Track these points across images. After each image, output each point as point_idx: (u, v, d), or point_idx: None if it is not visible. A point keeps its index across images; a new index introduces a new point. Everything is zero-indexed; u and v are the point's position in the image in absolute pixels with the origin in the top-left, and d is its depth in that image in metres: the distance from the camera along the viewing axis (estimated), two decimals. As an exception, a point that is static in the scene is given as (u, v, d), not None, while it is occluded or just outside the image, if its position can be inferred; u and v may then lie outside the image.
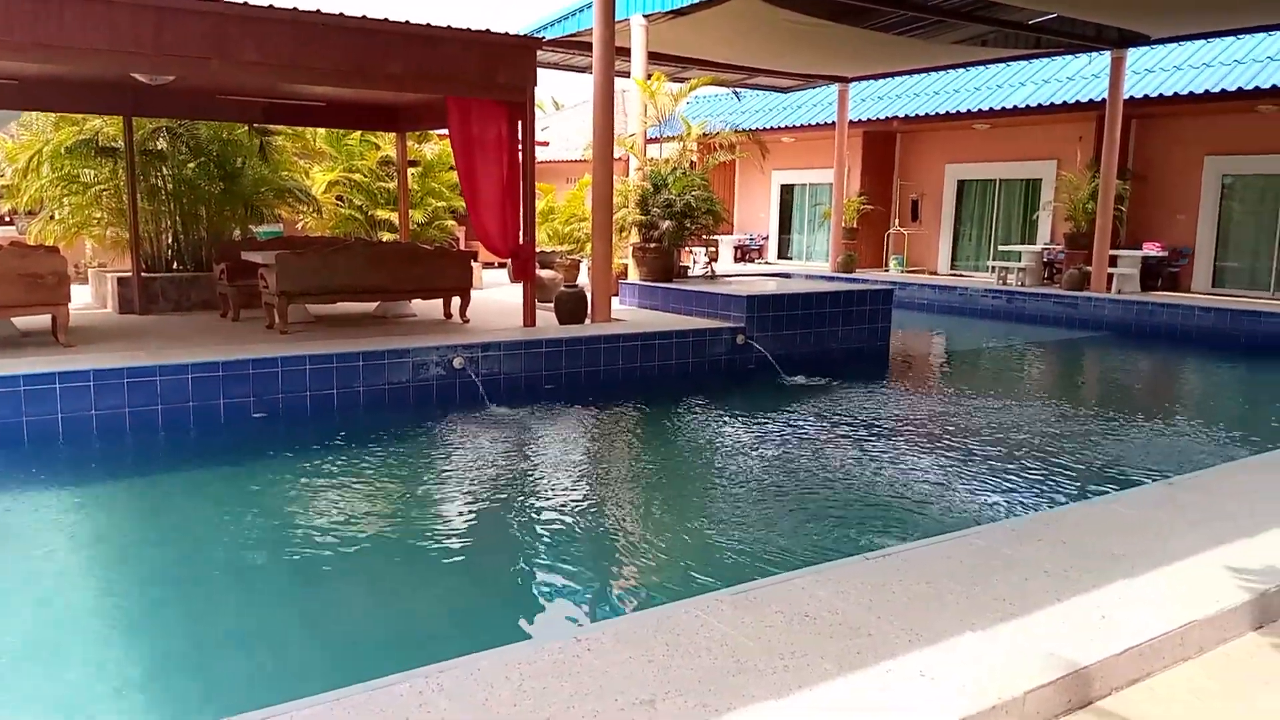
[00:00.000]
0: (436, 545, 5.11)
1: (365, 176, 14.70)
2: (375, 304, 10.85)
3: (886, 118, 19.52)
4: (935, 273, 19.66)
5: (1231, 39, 15.50)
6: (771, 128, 21.17)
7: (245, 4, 7.93)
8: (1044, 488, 6.14)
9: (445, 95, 9.20)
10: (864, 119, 19.72)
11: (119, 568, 4.86)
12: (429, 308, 10.95)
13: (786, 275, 17.34)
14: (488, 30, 9.14)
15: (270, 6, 8.03)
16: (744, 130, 15.47)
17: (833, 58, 16.24)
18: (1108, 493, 5.37)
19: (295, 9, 8.18)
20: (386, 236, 14.52)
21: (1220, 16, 12.92)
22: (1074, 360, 13.26)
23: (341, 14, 8.36)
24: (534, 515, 5.61)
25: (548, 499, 5.92)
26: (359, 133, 14.61)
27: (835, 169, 19.15)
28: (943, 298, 16.99)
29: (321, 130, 14.43)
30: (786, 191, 23.07)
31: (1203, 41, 15.85)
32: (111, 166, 11.72)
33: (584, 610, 4.32)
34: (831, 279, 17.16)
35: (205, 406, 7.27)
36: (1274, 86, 13.97)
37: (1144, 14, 12.89)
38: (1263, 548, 3.93)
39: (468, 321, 10.26)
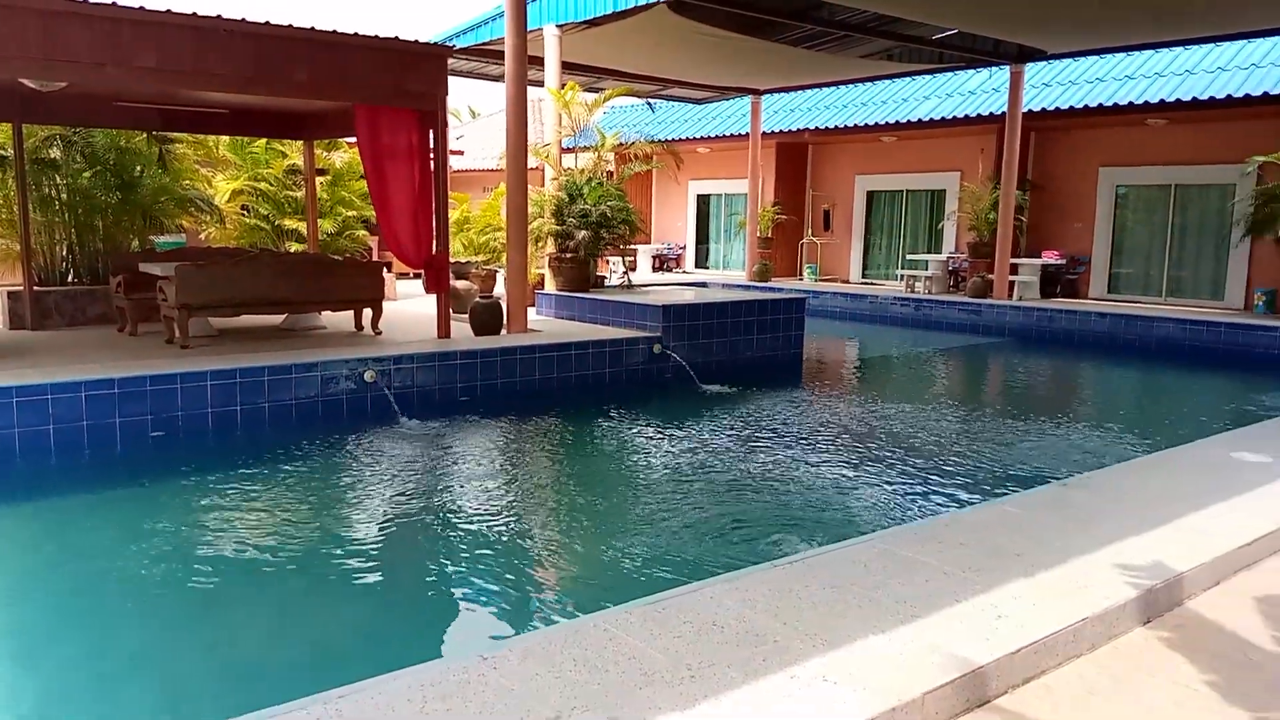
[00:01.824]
0: (343, 565, 4.99)
1: (271, 185, 14.32)
2: (282, 317, 10.58)
3: (798, 129, 19.89)
4: (847, 281, 20.09)
5: (1123, 55, 16.25)
6: (687, 138, 21.39)
7: (141, 8, 7.67)
8: (947, 490, 6.32)
9: (353, 103, 9.04)
10: (777, 130, 20.06)
11: (8, 597, 4.62)
12: (340, 320, 10.73)
13: (703, 284, 17.50)
14: (396, 38, 9.02)
15: (168, 11, 7.78)
16: (659, 141, 15.61)
17: (745, 70, 16.50)
18: (1007, 494, 5.55)
19: (194, 13, 7.93)
20: (294, 247, 14.17)
21: (1112, 34, 13.54)
22: (977, 366, 13.68)
23: (243, 19, 8.15)
24: (444, 532, 5.52)
25: (459, 515, 5.84)
26: (265, 140, 14.24)
27: (750, 179, 19.44)
28: (854, 306, 17.36)
29: (225, 138, 14.03)
30: (703, 201, 23.31)
31: (1096, 57, 16.58)
32: (0, 176, 11.19)
33: (493, 628, 4.26)
34: (747, 288, 17.39)
35: (100, 426, 6.97)
36: (1162, 101, 14.68)
37: (1040, 31, 13.42)
38: (1149, 545, 4.10)
39: (380, 334, 10.07)
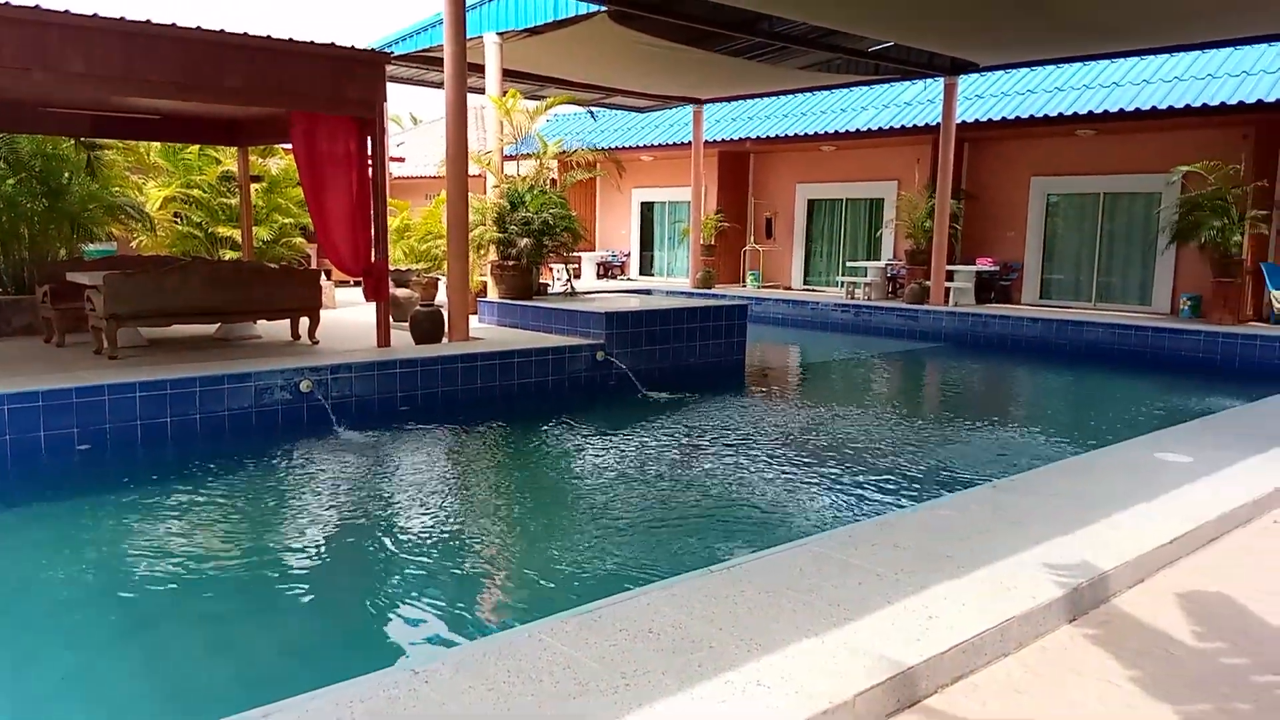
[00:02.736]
0: (275, 580, 4.90)
1: (205, 192, 14.02)
2: (216, 326, 10.36)
3: (740, 138, 20.07)
4: (789, 288, 20.30)
5: (1053, 67, 16.69)
6: (630, 146, 21.44)
7: (67, 12, 7.47)
8: (883, 493, 6.41)
9: (289, 109, 8.90)
10: (719, 139, 20.22)
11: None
12: (276, 329, 10.54)
13: (647, 292, 17.54)
14: (333, 44, 8.90)
15: (95, 15, 7.58)
16: (602, 149, 15.62)
17: (687, 80, 16.60)
18: (940, 496, 5.65)
19: (123, 18, 7.74)
20: (229, 255, 13.90)
21: (1041, 47, 13.91)
22: (915, 370, 13.92)
23: (174, 24, 7.98)
24: (380, 543, 5.45)
25: (395, 526, 5.76)
26: (198, 146, 13.94)
27: (693, 187, 19.57)
28: (796, 312, 17.55)
29: (156, 144, 13.71)
30: (647, 209, 23.39)
31: (1027, 70, 17.01)
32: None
33: (427, 641, 4.21)
34: (690, 295, 17.47)
35: (23, 440, 6.75)
36: (1090, 112, 15.11)
37: (972, 43, 13.73)
38: (1076, 545, 4.20)
39: (317, 343, 9.92)
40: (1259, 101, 13.50)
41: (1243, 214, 13.45)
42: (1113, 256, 16.24)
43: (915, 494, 6.33)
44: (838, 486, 6.60)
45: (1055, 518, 4.57)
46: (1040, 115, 15.71)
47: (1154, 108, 14.43)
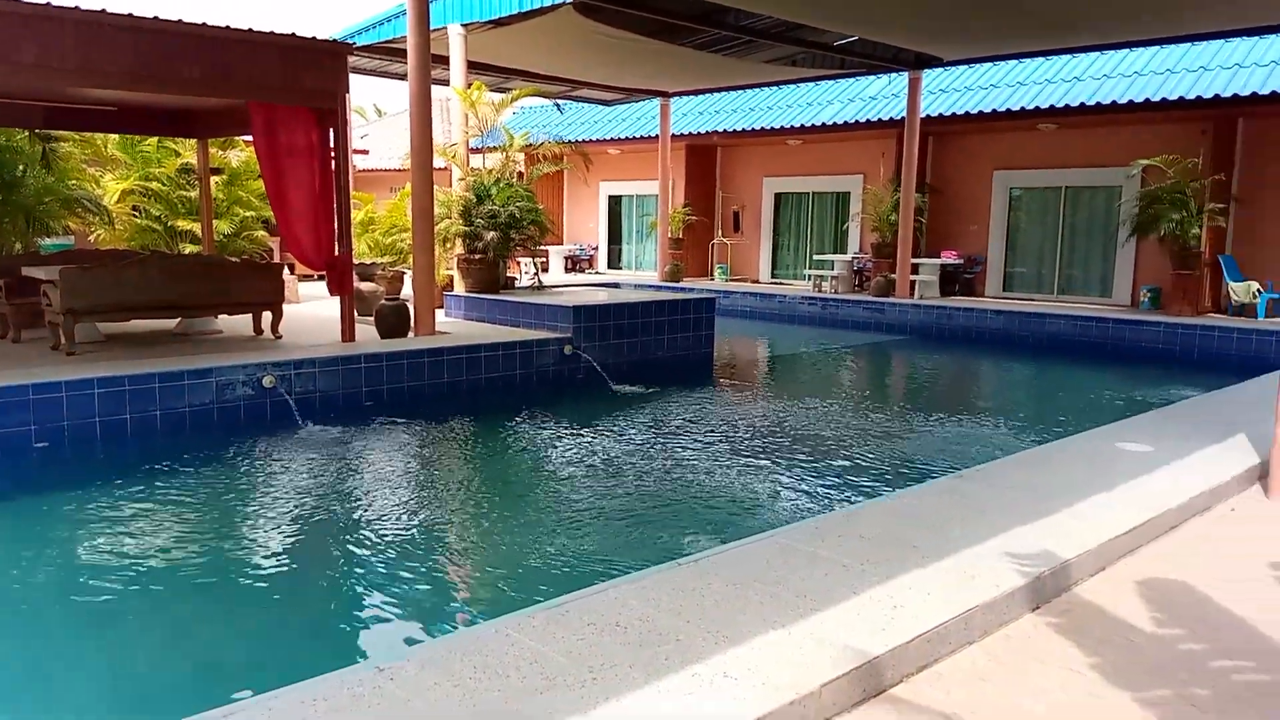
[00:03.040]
0: (238, 578, 4.83)
1: (164, 185, 13.77)
2: (176, 321, 10.19)
3: (707, 132, 20.09)
4: (757, 281, 20.36)
5: (1016, 62, 16.87)
6: (596, 140, 21.38)
7: (19, 0, 7.29)
8: (849, 484, 6.45)
9: (248, 100, 8.76)
10: (686, 132, 20.22)
11: None
12: (238, 324, 10.39)
13: (615, 285, 17.52)
14: (293, 34, 8.78)
15: (48, 4, 7.41)
16: (568, 142, 15.55)
17: (653, 72, 16.57)
18: (906, 486, 5.69)
19: (76, 7, 7.57)
20: (189, 249, 13.67)
21: (1004, 42, 14.05)
22: (881, 363, 14.02)
23: (130, 14, 7.82)
24: (345, 540, 5.39)
25: (360, 522, 5.70)
26: (156, 138, 13.69)
27: (660, 181, 19.54)
28: (764, 305, 17.62)
29: (114, 136, 13.44)
30: (614, 202, 23.34)
31: (990, 64, 17.17)
32: None
33: (394, 638, 4.17)
34: (658, 288, 17.48)
35: (-24, 438, 6.61)
36: (1052, 106, 15.28)
37: (936, 38, 13.83)
38: (1039, 534, 4.25)
39: (280, 338, 9.79)
40: (1216, 96, 13.73)
41: (1201, 207, 13.68)
42: (1074, 249, 16.46)
43: (882, 485, 6.38)
44: (805, 478, 6.63)
45: (1018, 507, 4.62)
46: (1003, 110, 15.87)
47: (1114, 102, 14.63)
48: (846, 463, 7.05)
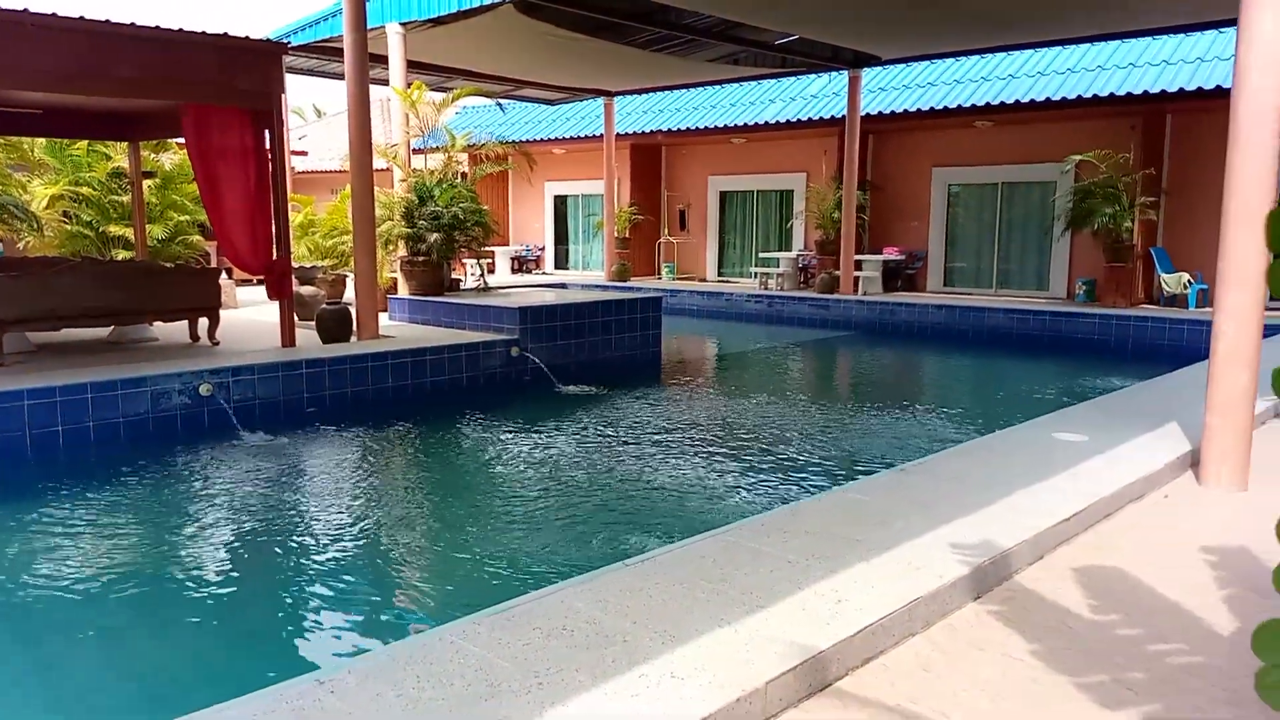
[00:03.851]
0: (173, 592, 4.71)
1: (95, 190, 13.39)
2: (109, 329, 9.92)
3: (652, 131, 20.12)
4: (704, 279, 20.46)
5: (953, 60, 17.17)
6: (541, 139, 21.30)
7: (-68, -2, 7.05)
8: (795, 479, 6.50)
9: (181, 101, 8.56)
10: (631, 132, 20.23)
11: None
12: (174, 330, 10.14)
13: (563, 285, 17.46)
14: (225, 34, 8.60)
15: (-35, 1, 7.18)
16: (512, 141, 15.46)
17: (596, 71, 16.55)
18: (851, 480, 5.75)
19: (-2, 6, 7.35)
20: (122, 254, 13.31)
21: (940, 40, 14.28)
22: (826, 359, 14.17)
23: (55, 13, 7.59)
24: (285, 551, 5.29)
25: (301, 531, 5.60)
26: (86, 142, 13.31)
27: (605, 180, 19.52)
28: (711, 303, 17.70)
29: (41, 140, 13.03)
30: (560, 202, 23.26)
31: (928, 63, 17.46)
32: None
33: (336, 650, 4.11)
34: (605, 288, 17.46)
35: (-104, 454, 6.37)
36: (988, 104, 15.59)
37: (873, 37, 14.02)
38: (979, 524, 4.31)
39: (218, 344, 9.58)
40: (1145, 93, 14.11)
41: (1133, 201, 14.05)
42: (1011, 244, 16.80)
43: (827, 480, 6.44)
44: (751, 475, 6.66)
45: (959, 499, 4.69)
46: (940, 108, 16.14)
47: (1048, 99, 14.96)
48: (792, 459, 7.11)
